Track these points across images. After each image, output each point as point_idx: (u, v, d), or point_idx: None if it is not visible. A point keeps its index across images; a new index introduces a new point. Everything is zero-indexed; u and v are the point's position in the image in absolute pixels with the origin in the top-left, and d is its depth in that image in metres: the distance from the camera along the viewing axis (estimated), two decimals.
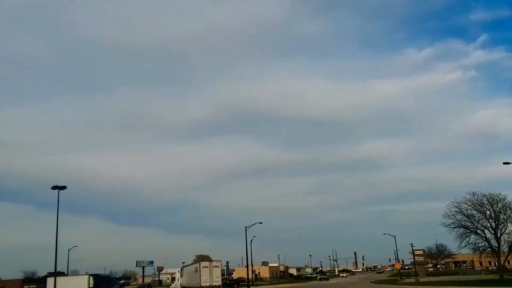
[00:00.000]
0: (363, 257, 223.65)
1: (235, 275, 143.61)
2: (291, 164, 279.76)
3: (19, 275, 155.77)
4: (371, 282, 79.87)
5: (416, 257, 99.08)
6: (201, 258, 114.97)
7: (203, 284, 51.19)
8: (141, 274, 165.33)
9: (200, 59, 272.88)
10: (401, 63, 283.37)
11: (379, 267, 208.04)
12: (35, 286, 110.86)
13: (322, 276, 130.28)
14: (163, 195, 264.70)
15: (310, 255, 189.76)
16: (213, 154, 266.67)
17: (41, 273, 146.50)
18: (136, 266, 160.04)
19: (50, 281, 71.97)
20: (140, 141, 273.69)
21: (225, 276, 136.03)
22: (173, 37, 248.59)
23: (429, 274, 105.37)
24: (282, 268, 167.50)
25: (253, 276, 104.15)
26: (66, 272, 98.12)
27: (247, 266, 78.76)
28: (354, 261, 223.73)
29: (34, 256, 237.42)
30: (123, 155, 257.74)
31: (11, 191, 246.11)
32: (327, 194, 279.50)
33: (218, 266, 54.52)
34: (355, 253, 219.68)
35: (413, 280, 77.45)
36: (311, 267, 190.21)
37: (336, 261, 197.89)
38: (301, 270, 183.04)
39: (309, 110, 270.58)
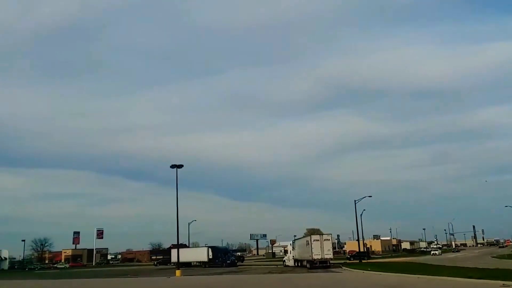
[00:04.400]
0: (482, 230, 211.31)
1: (346, 249, 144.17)
2: (400, 136, 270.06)
3: (147, 247, 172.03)
4: (492, 257, 75.67)
5: None
6: (311, 232, 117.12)
7: (315, 257, 52.22)
8: (255, 246, 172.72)
9: (304, 36, 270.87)
10: None
11: (502, 241, 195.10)
12: (161, 256, 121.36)
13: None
14: (274, 170, 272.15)
15: (424, 229, 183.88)
16: (319, 129, 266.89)
17: (166, 245, 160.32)
18: (250, 239, 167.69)
19: (173, 252, 78.50)
20: (250, 120, 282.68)
21: (336, 249, 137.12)
22: (277, 16, 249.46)
23: None
24: (394, 242, 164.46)
25: (365, 250, 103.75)
26: (187, 244, 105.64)
27: (358, 240, 78.90)
28: (473, 235, 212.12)
29: (159, 229, 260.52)
30: (235, 133, 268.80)
31: (138, 170, 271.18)
32: (440, 165, 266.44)
33: (329, 239, 55.11)
34: (473, 226, 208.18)
35: None
36: (425, 241, 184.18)
37: (453, 235, 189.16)
38: (415, 244, 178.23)
39: (415, 79, 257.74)
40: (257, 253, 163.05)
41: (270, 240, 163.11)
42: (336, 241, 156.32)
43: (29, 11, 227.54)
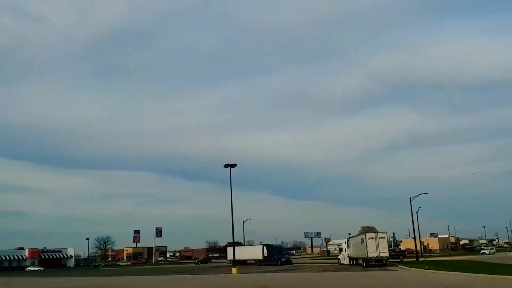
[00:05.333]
0: None
1: (402, 247, 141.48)
2: (455, 131, 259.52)
3: (204, 245, 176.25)
4: None
5: None
6: (366, 230, 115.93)
7: (370, 255, 52.05)
8: (310, 244, 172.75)
9: (356, 31, 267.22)
10: None
11: None
12: (217, 254, 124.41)
13: None
14: (325, 169, 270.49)
15: (484, 226, 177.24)
16: (371, 126, 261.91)
17: (222, 243, 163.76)
18: (305, 237, 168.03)
19: (229, 250, 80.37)
20: (299, 118, 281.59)
21: (392, 248, 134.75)
22: (328, 11, 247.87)
23: None
24: (452, 240, 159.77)
25: (422, 248, 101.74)
26: (242, 242, 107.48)
27: (414, 238, 77.70)
28: None
29: (215, 227, 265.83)
30: (288, 132, 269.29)
31: (195, 170, 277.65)
32: (499, 160, 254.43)
33: (384, 237, 54.65)
34: None
35: None
36: (485, 239, 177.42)
37: None
38: (474, 242, 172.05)
39: (470, 72, 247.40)
40: (312, 251, 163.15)
41: (325, 238, 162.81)
42: (391, 239, 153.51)
43: (85, 17, 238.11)
